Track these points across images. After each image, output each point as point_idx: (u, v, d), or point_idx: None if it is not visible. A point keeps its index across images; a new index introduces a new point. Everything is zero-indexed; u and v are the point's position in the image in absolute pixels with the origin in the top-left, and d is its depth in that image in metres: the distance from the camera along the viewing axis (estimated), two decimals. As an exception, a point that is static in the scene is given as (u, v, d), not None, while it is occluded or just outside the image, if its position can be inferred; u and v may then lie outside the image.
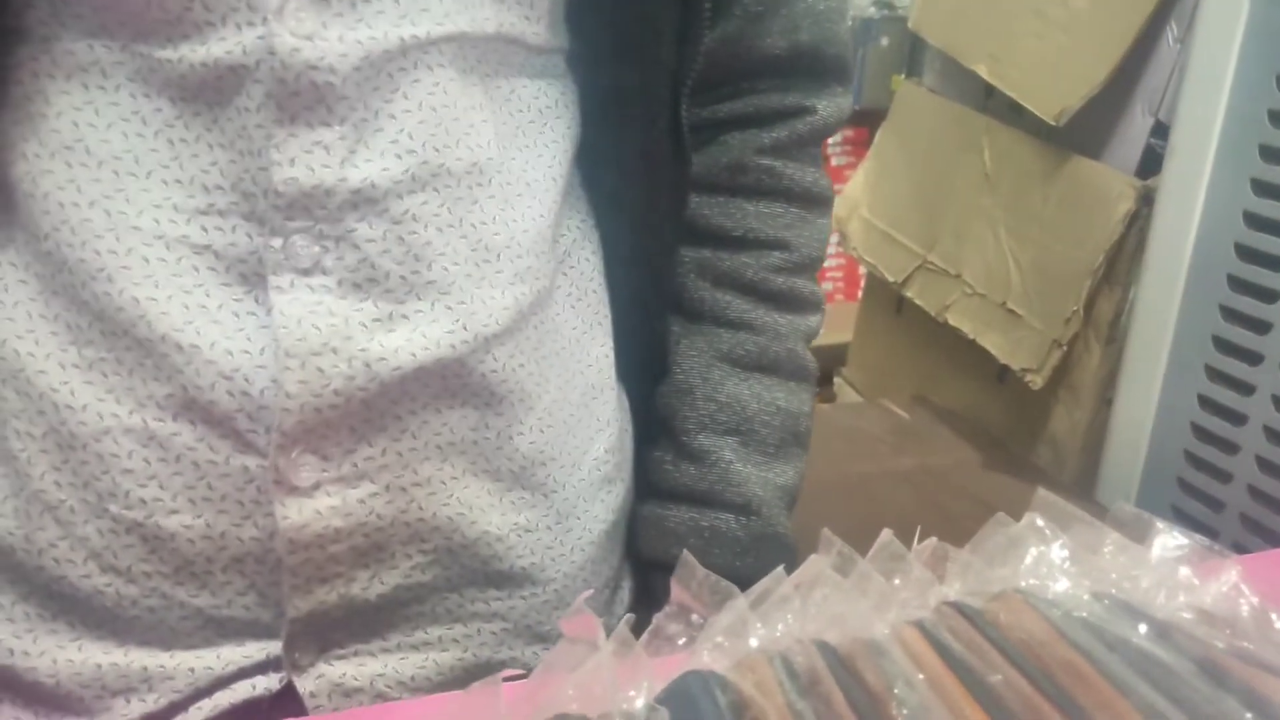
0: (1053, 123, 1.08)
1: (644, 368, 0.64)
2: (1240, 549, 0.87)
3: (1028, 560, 0.45)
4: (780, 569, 0.40)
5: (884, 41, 2.09)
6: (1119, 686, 0.37)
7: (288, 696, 0.53)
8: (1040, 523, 0.46)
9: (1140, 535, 0.46)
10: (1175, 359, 0.99)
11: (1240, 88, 0.91)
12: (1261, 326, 0.91)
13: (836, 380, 1.61)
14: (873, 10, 2.10)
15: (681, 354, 0.63)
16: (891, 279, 1.35)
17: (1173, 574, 0.44)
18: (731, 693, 0.36)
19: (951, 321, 1.24)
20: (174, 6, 0.44)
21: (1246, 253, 0.92)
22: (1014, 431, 1.21)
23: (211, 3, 0.44)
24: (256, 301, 0.47)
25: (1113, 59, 1.03)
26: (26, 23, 0.46)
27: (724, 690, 0.36)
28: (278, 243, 0.46)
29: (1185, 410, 0.98)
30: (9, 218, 0.49)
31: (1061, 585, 0.44)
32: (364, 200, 0.46)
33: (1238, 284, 0.93)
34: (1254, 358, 0.92)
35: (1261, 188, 0.90)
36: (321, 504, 0.49)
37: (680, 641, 0.39)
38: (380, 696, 0.54)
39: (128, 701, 0.50)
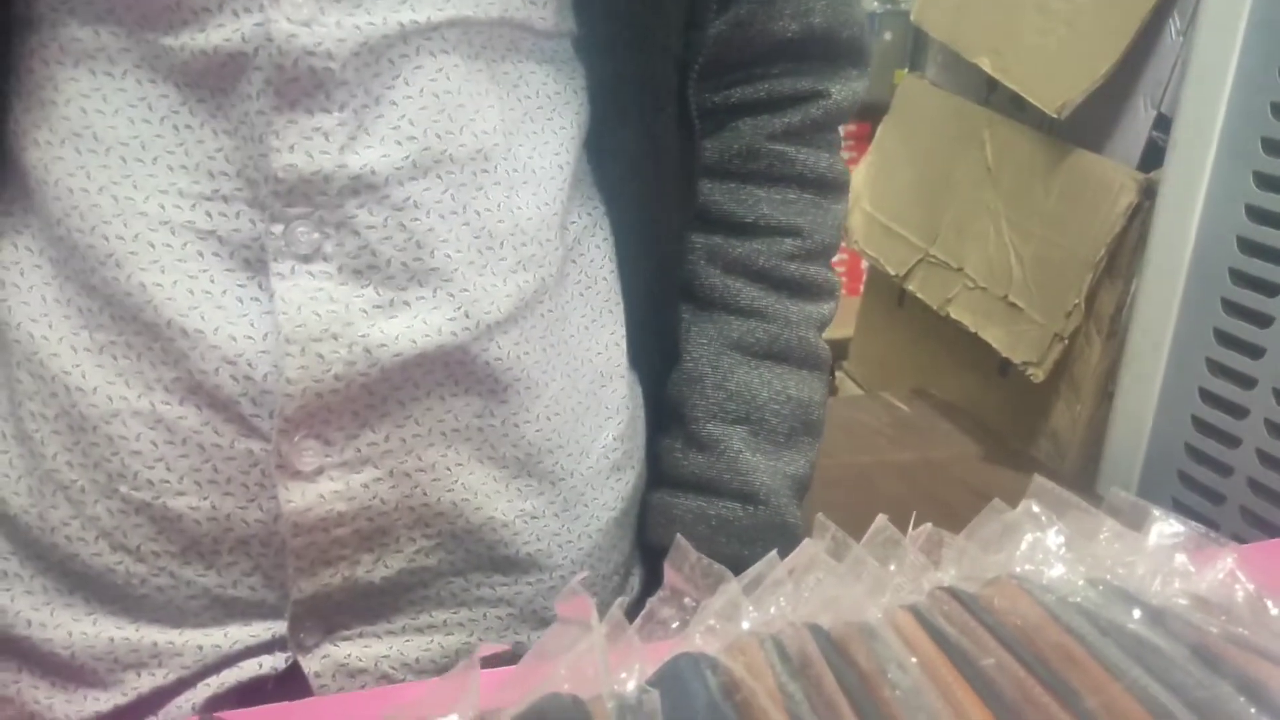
0: (1055, 116, 1.08)
1: (655, 356, 0.64)
2: (1240, 542, 0.87)
3: (1023, 546, 0.45)
4: (774, 553, 0.40)
5: (887, 36, 2.09)
6: (1111, 670, 0.37)
7: (293, 676, 0.53)
8: (1036, 509, 0.46)
9: (1136, 522, 0.46)
10: (1176, 352, 0.99)
11: (1242, 81, 0.91)
12: (1263, 320, 0.91)
13: (838, 374, 1.61)
14: (876, 4, 2.10)
15: (692, 342, 0.63)
16: (893, 272, 1.35)
17: (1168, 560, 0.44)
18: (722, 674, 0.36)
19: (953, 315, 1.24)
20: None
21: (1248, 246, 0.92)
22: (1015, 425, 1.21)
23: None
24: (260, 287, 0.47)
25: (1115, 52, 1.03)
26: (36, 10, 0.47)
27: (715, 671, 0.36)
28: (279, 229, 0.46)
29: (1186, 403, 0.98)
30: (24, 204, 0.49)
31: (1057, 571, 0.43)
32: (364, 187, 0.47)
33: (1239, 277, 0.93)
34: (1255, 351, 0.91)
35: (1264, 180, 0.90)
36: (324, 488, 0.49)
37: (673, 625, 0.39)
38: (385, 678, 0.54)
39: (138, 675, 0.51)
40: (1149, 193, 1.01)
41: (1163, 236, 0.99)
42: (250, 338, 0.47)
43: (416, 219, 0.48)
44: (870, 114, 1.61)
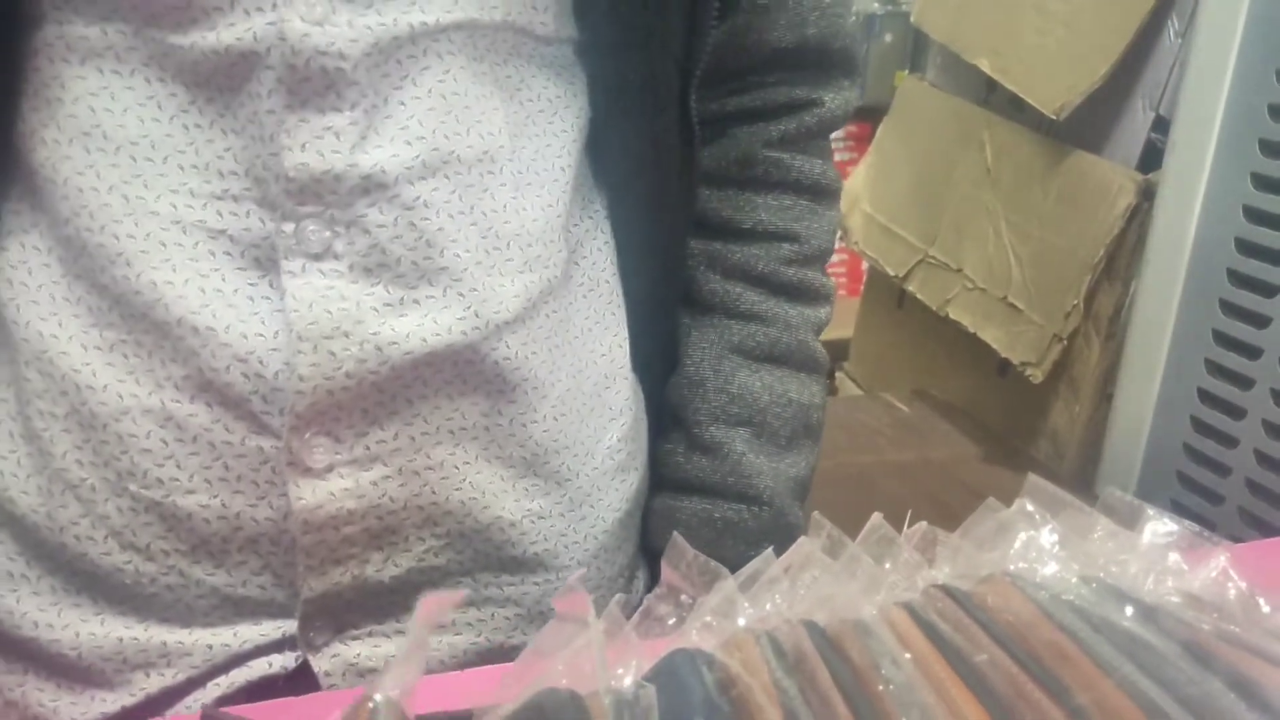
0: (1054, 117, 1.09)
1: (655, 360, 0.64)
2: (1238, 543, 0.87)
3: (1017, 544, 0.45)
4: (770, 551, 0.41)
5: (887, 38, 2.09)
6: (1103, 667, 0.37)
7: (303, 675, 0.53)
8: (1030, 507, 0.46)
9: (1130, 522, 0.47)
10: (1175, 353, 0.99)
11: (1241, 82, 0.91)
12: (1261, 321, 0.91)
13: (838, 374, 1.61)
14: (876, 6, 2.10)
15: (692, 346, 0.64)
16: (893, 273, 1.36)
17: (1161, 559, 0.45)
18: (718, 670, 0.37)
19: (952, 315, 1.24)
20: None
21: (1247, 247, 0.92)
22: (1014, 425, 1.22)
23: None
24: (270, 285, 0.47)
25: (1114, 54, 1.03)
26: (41, 8, 0.47)
27: (711, 668, 0.37)
28: (289, 227, 0.47)
29: (1185, 404, 0.99)
30: (32, 203, 0.50)
31: (1050, 569, 0.44)
32: (375, 186, 0.47)
33: (1238, 278, 0.93)
34: (1254, 352, 0.92)
35: (1262, 182, 0.90)
36: (334, 485, 0.49)
37: (670, 622, 0.39)
38: None
39: (147, 676, 0.51)
40: (1147, 194, 1.01)
41: (1161, 238, 0.99)
42: (261, 335, 0.47)
43: (426, 218, 0.48)
44: (870, 115, 1.61)
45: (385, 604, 0.54)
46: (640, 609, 0.41)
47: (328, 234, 0.47)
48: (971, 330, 1.21)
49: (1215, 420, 0.96)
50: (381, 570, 0.53)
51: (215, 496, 0.49)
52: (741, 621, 0.38)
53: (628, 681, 0.36)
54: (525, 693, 0.36)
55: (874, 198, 1.43)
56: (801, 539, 0.41)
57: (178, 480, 0.49)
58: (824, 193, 0.64)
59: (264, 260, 0.47)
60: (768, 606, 0.39)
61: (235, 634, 0.52)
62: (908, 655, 0.37)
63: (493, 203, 0.51)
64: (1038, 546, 0.45)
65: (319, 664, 0.53)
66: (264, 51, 0.45)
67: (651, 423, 0.65)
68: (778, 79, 0.62)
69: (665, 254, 0.62)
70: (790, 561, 0.41)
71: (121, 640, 0.51)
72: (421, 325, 0.49)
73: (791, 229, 0.63)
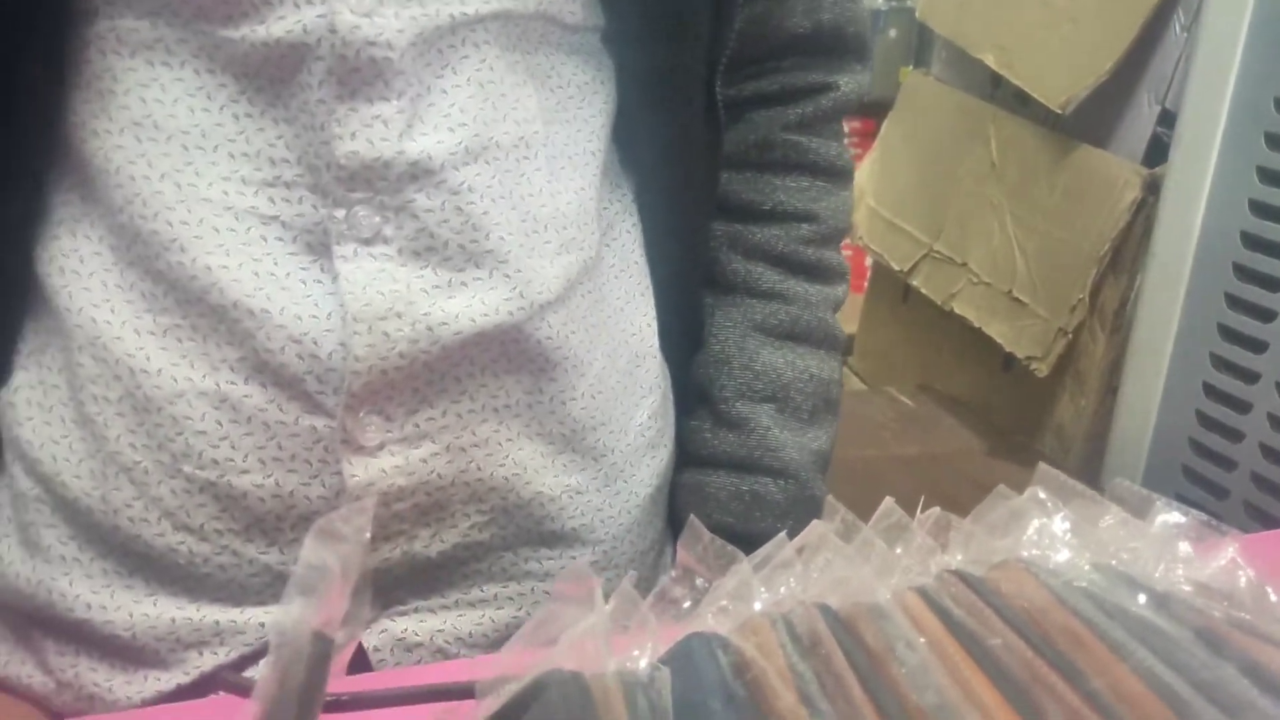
0: (1059, 111, 1.09)
1: (680, 340, 0.66)
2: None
3: (1029, 531, 0.45)
4: (783, 534, 0.41)
5: (892, 34, 2.09)
6: (1117, 651, 0.37)
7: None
8: (1042, 495, 0.46)
9: (1140, 512, 0.47)
10: (1180, 347, 1.00)
11: (1246, 76, 0.91)
12: (1267, 315, 0.91)
13: (843, 369, 1.61)
14: (881, 2, 2.10)
15: (717, 325, 0.65)
16: (897, 268, 1.36)
17: (1172, 548, 0.45)
18: (733, 654, 0.37)
19: (957, 310, 1.24)
20: None
21: (1252, 241, 0.92)
22: (1019, 420, 1.22)
23: None
24: (322, 269, 0.49)
25: (1119, 48, 1.04)
26: (93, 3, 0.48)
27: (726, 651, 0.37)
28: (341, 213, 0.48)
29: (1190, 398, 0.99)
30: (83, 193, 0.51)
31: (1062, 556, 0.44)
32: (422, 172, 0.48)
33: (1243, 272, 0.93)
34: (1259, 346, 0.92)
35: (1267, 176, 0.90)
36: (386, 463, 0.50)
37: (685, 605, 0.40)
38: (440, 652, 0.56)
39: (200, 654, 0.52)
40: (1153, 188, 1.02)
41: (1166, 231, 0.99)
42: (315, 317, 0.48)
43: (471, 203, 0.49)
44: (875, 110, 1.61)
45: (431, 579, 0.55)
46: (655, 591, 0.41)
47: (378, 219, 0.48)
48: (976, 325, 1.21)
49: (1220, 414, 0.96)
50: (429, 546, 0.54)
51: (269, 476, 0.50)
52: (757, 606, 0.39)
53: (643, 664, 0.36)
54: (529, 672, 0.36)
55: (879, 192, 1.44)
56: (815, 522, 0.41)
57: (232, 460, 0.50)
58: (839, 174, 0.66)
59: (316, 245, 0.48)
60: (781, 589, 0.39)
61: None
62: (922, 639, 0.37)
63: (529, 187, 0.52)
64: (1050, 533, 0.45)
65: (368, 640, 0.54)
66: (314, 43, 0.46)
67: (677, 401, 0.66)
68: (793, 64, 0.64)
69: (690, 237, 0.64)
70: (803, 543, 0.41)
71: (175, 620, 0.52)
72: (470, 306, 0.50)
73: (810, 209, 0.65)
